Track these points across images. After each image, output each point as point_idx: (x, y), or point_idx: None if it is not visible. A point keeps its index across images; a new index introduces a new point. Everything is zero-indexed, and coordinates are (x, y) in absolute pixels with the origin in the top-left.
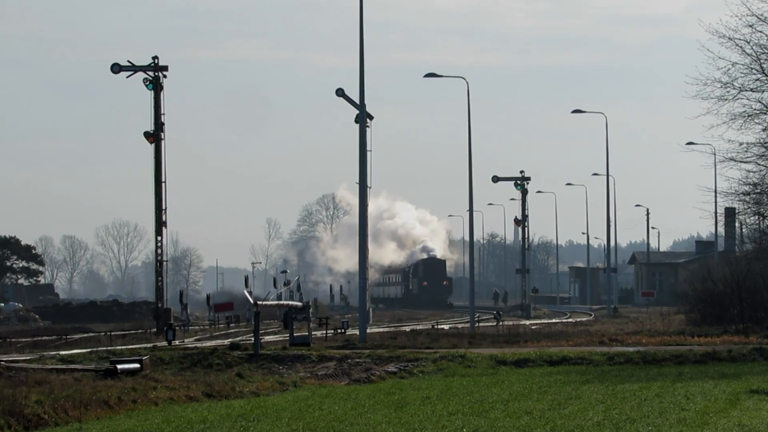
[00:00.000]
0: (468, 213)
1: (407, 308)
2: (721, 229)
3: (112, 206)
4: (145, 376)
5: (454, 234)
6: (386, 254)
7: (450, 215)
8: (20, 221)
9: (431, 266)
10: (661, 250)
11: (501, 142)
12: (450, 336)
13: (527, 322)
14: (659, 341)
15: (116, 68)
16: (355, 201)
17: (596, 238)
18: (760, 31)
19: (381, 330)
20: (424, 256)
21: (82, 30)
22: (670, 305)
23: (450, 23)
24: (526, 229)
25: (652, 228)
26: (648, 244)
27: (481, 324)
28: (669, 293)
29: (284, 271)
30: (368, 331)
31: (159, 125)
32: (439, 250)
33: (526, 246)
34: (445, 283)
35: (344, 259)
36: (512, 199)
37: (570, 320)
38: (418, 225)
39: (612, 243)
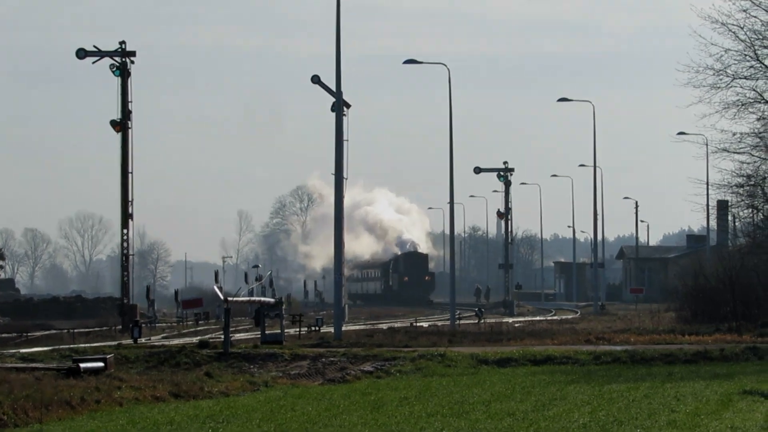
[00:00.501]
0: (449, 205)
1: (387, 305)
2: (713, 223)
3: (77, 198)
4: (110, 376)
5: (435, 227)
6: (364, 247)
7: (430, 208)
8: None
9: (413, 261)
10: (651, 244)
11: (484, 132)
12: (429, 334)
13: (510, 320)
14: (648, 340)
15: (82, 53)
16: (329, 191)
17: (583, 232)
18: (755, 16)
19: (357, 327)
20: (406, 249)
21: (46, 13)
22: (659, 302)
23: (431, 8)
24: (510, 222)
25: (641, 221)
26: (637, 238)
27: (462, 321)
28: (659, 289)
29: (256, 266)
30: (344, 328)
31: (126, 113)
32: (422, 243)
33: (510, 240)
34: (427, 278)
35: (318, 253)
36: (495, 191)
37: (555, 318)
38: (398, 215)
39: (599, 237)
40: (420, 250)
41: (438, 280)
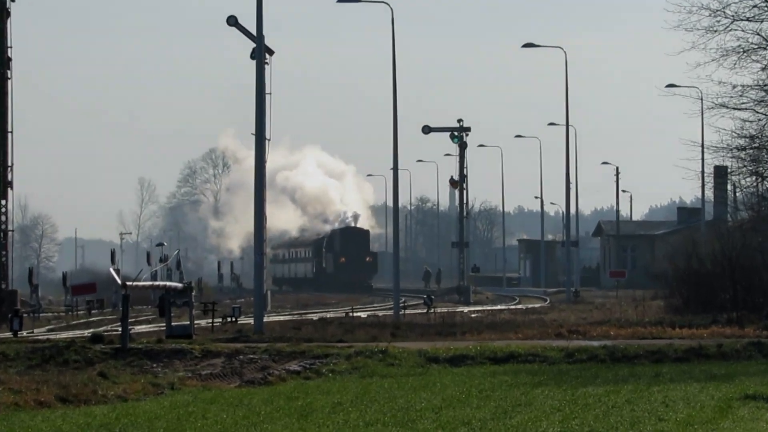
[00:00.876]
0: (392, 172)
1: (320, 291)
2: (710, 193)
3: None
4: None
5: (376, 199)
6: (291, 222)
7: (369, 175)
8: None
9: (351, 238)
10: (635, 218)
11: (434, 85)
12: (369, 326)
13: (465, 309)
14: (631, 333)
15: None
16: (246, 154)
17: (553, 203)
18: None
19: (282, 318)
20: (342, 224)
21: None
22: (645, 288)
23: None
24: (465, 192)
25: (623, 191)
26: (618, 211)
27: (407, 311)
28: (644, 273)
29: (161, 244)
30: (266, 319)
31: (5, 61)
32: (363, 216)
33: (465, 213)
34: (368, 259)
35: (235, 229)
36: (447, 154)
37: (519, 307)
38: (331, 180)
39: (572, 210)
40: (359, 225)
41: (381, 262)
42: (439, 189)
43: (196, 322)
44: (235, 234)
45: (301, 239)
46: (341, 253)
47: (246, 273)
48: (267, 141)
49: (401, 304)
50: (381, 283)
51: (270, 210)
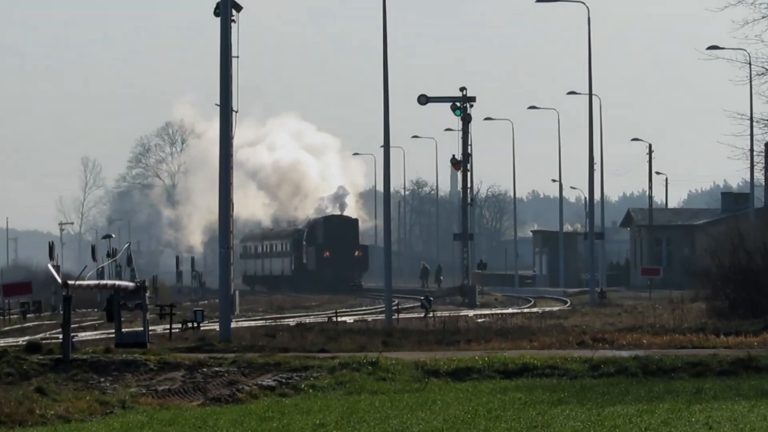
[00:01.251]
0: (383, 150)
1: (299, 291)
2: (760, 175)
3: None
4: None
5: (365, 183)
6: (264, 208)
7: (355, 154)
8: None
9: (336, 228)
10: (671, 206)
11: (433, 48)
12: (356, 333)
13: (470, 313)
14: (667, 342)
15: None
16: (208, 127)
17: (573, 188)
18: None
19: (253, 324)
20: (326, 211)
21: None
22: (683, 288)
23: None
24: (469, 174)
25: (657, 174)
26: (650, 197)
27: (401, 315)
28: (682, 270)
29: (108, 236)
30: (234, 325)
31: None
32: (351, 204)
33: (469, 200)
34: (357, 253)
35: (195, 217)
36: (448, 129)
37: (535, 310)
38: (313, 159)
39: (597, 195)
40: (346, 213)
41: (373, 257)
42: (439, 171)
43: (150, 328)
44: (195, 224)
45: (277, 231)
46: (325, 246)
47: (210, 270)
48: (234, 113)
49: (394, 307)
50: (372, 282)
51: (239, 195)
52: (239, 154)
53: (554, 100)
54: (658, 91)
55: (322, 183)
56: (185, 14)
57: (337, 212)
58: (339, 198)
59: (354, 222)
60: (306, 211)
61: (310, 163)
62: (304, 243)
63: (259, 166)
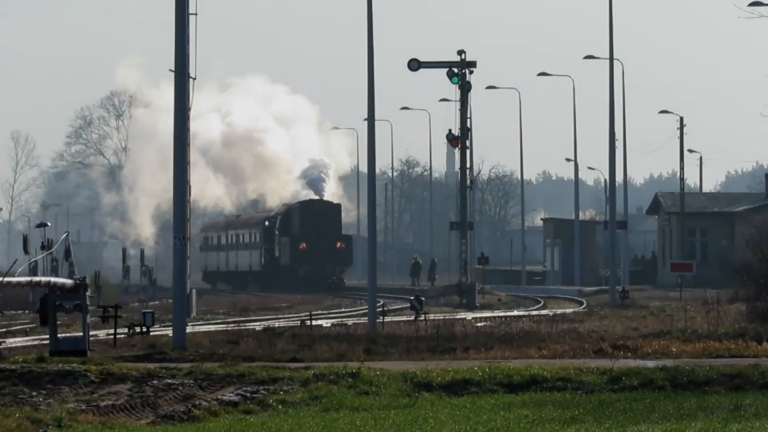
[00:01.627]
0: (367, 123)
1: (270, 290)
2: None
3: None
4: None
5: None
6: (227, 191)
7: (335, 127)
8: None
9: (315, 215)
10: (706, 189)
11: (427, 4)
12: (334, 339)
13: (469, 316)
14: (701, 350)
15: None
16: (154, 95)
17: (591, 168)
18: None
19: (213, 328)
20: (302, 195)
21: None
22: (720, 287)
23: None
24: (469, 152)
25: (690, 152)
26: (682, 179)
27: (388, 318)
28: (719, 265)
29: (43, 225)
30: (190, 330)
31: None
32: (330, 186)
33: (468, 182)
34: (339, 245)
35: (144, 202)
36: (444, 100)
37: (545, 312)
38: (284, 132)
39: (619, 177)
40: (325, 196)
41: (358, 249)
42: (433, 148)
43: (92, 333)
44: (144, 210)
45: (245, 218)
46: (301, 237)
47: (162, 265)
48: (191, 80)
49: (379, 309)
50: (354, 280)
51: (197, 177)
52: (194, 125)
53: (569, 65)
54: (690, 56)
55: (295, 161)
56: None
57: (316, 197)
58: (316, 180)
59: (336, 208)
60: (279, 195)
61: (279, 135)
62: (277, 233)
63: (212, 141)
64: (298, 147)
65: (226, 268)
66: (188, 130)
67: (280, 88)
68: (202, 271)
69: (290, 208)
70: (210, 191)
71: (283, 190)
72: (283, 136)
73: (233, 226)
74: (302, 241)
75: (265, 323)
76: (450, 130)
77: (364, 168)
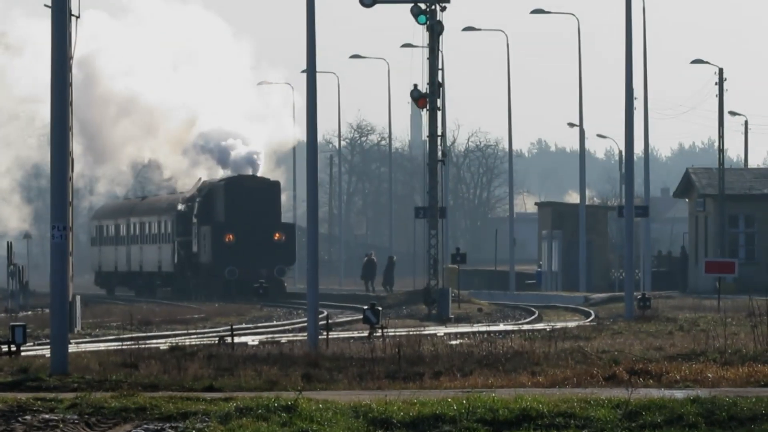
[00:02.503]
0: (306, 76)
1: (184, 297)
2: None
3: None
4: None
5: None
6: (127, 165)
7: (261, 83)
8: None
9: (246, 197)
10: (753, 165)
11: None
12: (263, 361)
13: (441, 331)
14: (745, 376)
15: None
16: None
17: (601, 136)
18: None
19: (104, 347)
20: (230, 169)
21: None
22: None
23: None
24: (440, 115)
25: (731, 114)
26: (721, 150)
27: (334, 334)
28: None
29: None
30: (74, 349)
31: None
32: (264, 156)
33: (440, 155)
34: (279, 237)
35: (7, 179)
36: (407, 46)
37: (540, 326)
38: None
39: (637, 148)
40: (259, 172)
41: (301, 244)
42: (393, 110)
43: None
44: (9, 190)
45: (152, 201)
46: (227, 225)
47: (36, 264)
48: (73, 18)
49: (322, 321)
50: (291, 283)
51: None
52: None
53: (570, 3)
54: None
55: (213, 127)
56: None
57: (248, 171)
58: (249, 156)
59: (274, 187)
60: (197, 173)
61: (182, 87)
62: (195, 221)
63: (133, 98)
64: (216, 108)
65: (127, 267)
66: (69, 84)
67: (191, 9)
68: (95, 272)
69: (213, 187)
70: (117, 166)
71: (190, 161)
72: (190, 90)
73: (136, 211)
74: (228, 231)
75: (173, 341)
76: (415, 86)
77: (302, 135)
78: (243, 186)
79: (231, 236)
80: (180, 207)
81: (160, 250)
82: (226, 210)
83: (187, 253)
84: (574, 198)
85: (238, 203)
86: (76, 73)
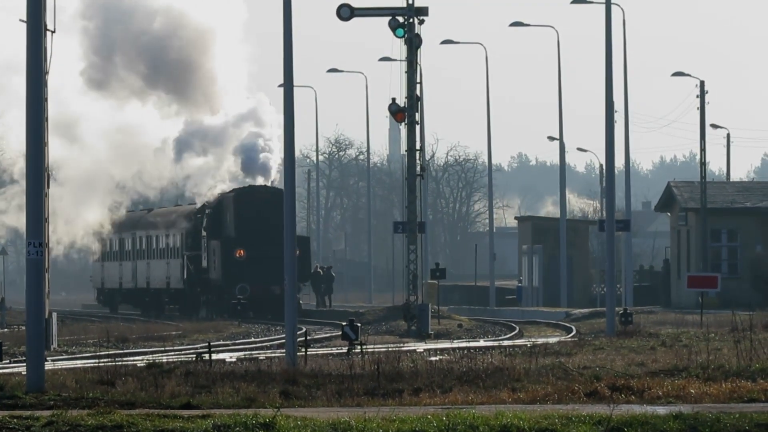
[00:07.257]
0: (283, 90)
1: (197, 316)
2: None
3: None
4: None
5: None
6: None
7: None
8: None
9: (257, 207)
10: (735, 178)
11: None
12: (241, 378)
13: (420, 347)
14: (728, 392)
15: None
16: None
17: (582, 150)
18: None
19: (81, 364)
20: (242, 178)
21: None
22: (754, 308)
23: None
24: (418, 129)
25: (713, 127)
26: (703, 163)
27: (313, 350)
28: (752, 279)
29: None
30: (50, 366)
31: None
32: (276, 155)
33: (418, 169)
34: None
35: None
36: (385, 59)
37: (521, 342)
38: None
39: (618, 162)
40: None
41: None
42: (371, 124)
43: None
44: None
45: (159, 213)
46: (238, 240)
47: (12, 280)
48: (49, 33)
49: (300, 338)
50: (302, 300)
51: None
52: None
53: (551, 12)
54: (711, 4)
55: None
56: None
57: (261, 181)
58: (262, 165)
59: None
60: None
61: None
62: (204, 234)
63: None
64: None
65: (133, 284)
66: (45, 99)
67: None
68: (97, 288)
69: (223, 198)
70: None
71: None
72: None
73: (142, 224)
74: (239, 246)
75: (150, 358)
76: (393, 100)
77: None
78: (254, 197)
79: (242, 251)
80: (190, 220)
81: (169, 265)
82: (236, 223)
83: (197, 269)
84: (554, 212)
85: (248, 216)
86: None
